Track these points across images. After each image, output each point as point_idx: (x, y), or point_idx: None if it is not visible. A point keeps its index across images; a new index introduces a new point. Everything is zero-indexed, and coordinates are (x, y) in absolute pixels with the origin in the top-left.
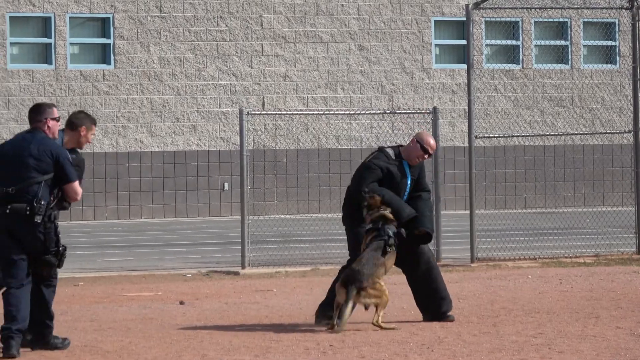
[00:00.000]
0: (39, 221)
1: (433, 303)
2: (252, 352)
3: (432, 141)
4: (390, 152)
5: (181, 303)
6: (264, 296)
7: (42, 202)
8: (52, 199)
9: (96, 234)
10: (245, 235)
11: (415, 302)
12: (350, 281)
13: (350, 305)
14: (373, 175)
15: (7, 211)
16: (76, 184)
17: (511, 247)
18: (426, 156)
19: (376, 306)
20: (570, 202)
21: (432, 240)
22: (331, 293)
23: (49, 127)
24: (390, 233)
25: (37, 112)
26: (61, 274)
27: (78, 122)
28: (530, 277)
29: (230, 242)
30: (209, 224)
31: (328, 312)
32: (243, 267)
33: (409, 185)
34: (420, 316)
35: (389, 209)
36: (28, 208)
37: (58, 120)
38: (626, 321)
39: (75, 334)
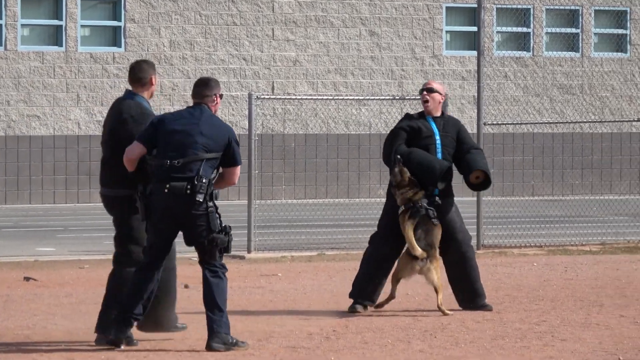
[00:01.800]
0: (200, 200)
1: (465, 297)
2: (255, 336)
3: (431, 83)
4: (414, 113)
5: (186, 287)
6: (269, 281)
7: (204, 180)
8: (213, 177)
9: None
10: (252, 219)
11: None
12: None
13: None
14: (399, 139)
15: (166, 190)
16: (239, 168)
17: (517, 235)
18: (424, 92)
19: (436, 289)
20: (577, 190)
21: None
22: (362, 270)
23: (216, 103)
24: (426, 205)
25: (207, 87)
26: (67, 256)
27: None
28: (535, 264)
29: (236, 226)
30: None
31: (363, 293)
32: (249, 251)
33: (438, 141)
34: (423, 303)
35: (420, 191)
36: (188, 186)
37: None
38: (630, 310)
39: (79, 317)
